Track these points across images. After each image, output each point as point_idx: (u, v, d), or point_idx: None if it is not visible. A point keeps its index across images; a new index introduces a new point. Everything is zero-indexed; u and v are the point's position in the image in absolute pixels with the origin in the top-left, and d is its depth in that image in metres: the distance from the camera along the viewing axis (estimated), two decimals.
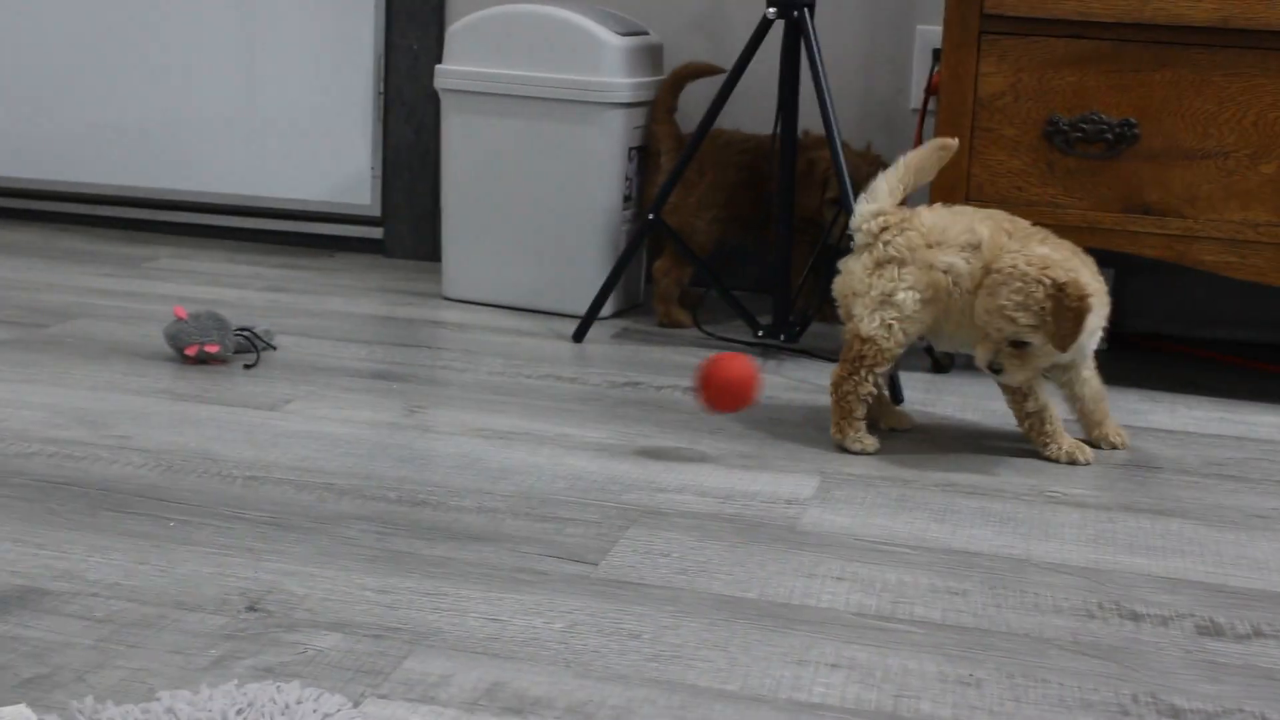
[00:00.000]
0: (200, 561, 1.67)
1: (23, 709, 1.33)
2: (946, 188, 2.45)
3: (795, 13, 2.58)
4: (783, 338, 2.65)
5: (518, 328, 2.77)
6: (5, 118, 3.54)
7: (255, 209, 3.44)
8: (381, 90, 3.31)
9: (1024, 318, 1.98)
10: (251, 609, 1.56)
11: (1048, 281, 1.98)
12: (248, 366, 2.42)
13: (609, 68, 2.79)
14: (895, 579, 1.70)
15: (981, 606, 1.64)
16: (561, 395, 2.36)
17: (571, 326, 2.75)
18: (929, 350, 2.58)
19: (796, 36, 2.60)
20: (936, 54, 2.80)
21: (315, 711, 1.31)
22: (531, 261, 2.88)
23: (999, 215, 2.15)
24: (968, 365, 2.57)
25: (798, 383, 2.46)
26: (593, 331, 2.72)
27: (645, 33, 2.90)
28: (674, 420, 2.24)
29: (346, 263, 3.29)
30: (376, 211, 3.37)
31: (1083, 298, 1.98)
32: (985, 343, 2.05)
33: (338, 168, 3.38)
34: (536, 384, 2.41)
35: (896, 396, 2.36)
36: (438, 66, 2.92)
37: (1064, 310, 1.98)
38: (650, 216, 2.68)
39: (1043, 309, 1.98)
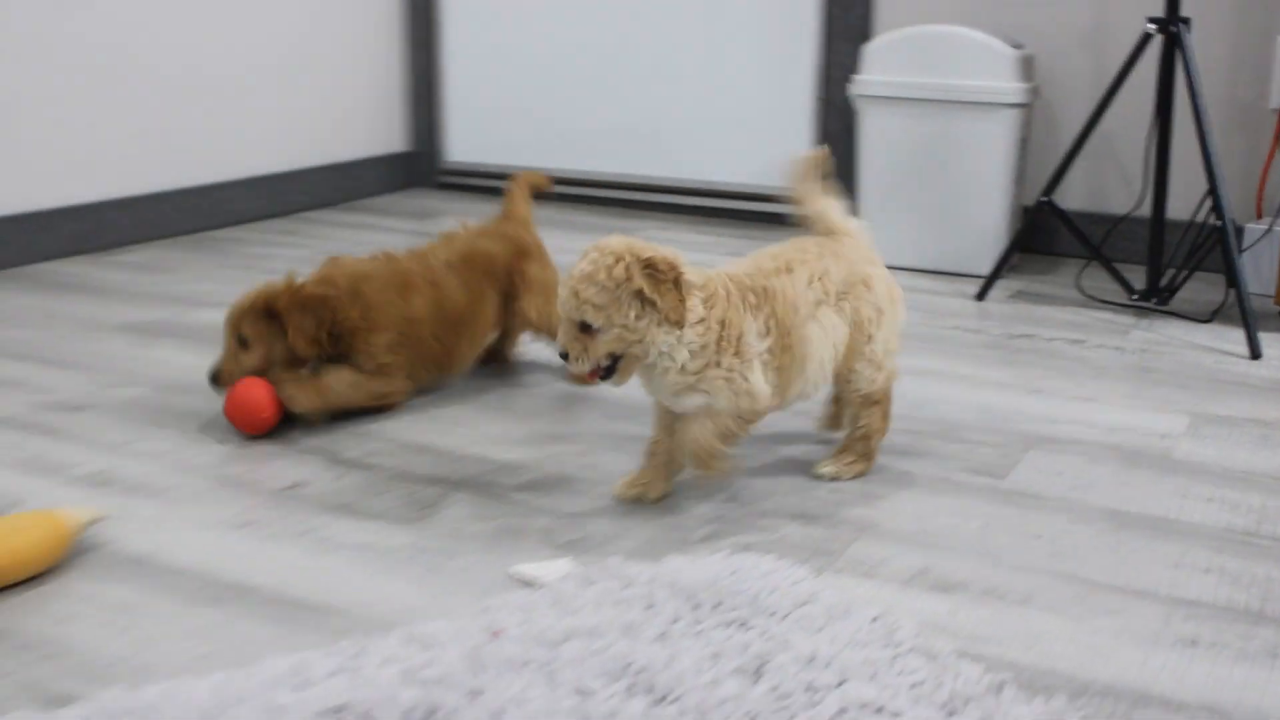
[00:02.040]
0: None
1: (567, 563, 1.43)
2: None
3: (1173, 28, 2.49)
4: (1154, 300, 2.57)
5: (928, 287, 2.76)
6: (529, 121, 3.72)
7: (716, 191, 3.52)
8: (821, 95, 3.33)
9: (591, 293, 1.47)
10: (732, 499, 1.62)
11: (628, 258, 1.47)
12: None
13: (1005, 74, 2.76)
14: (1259, 503, 1.64)
15: None
16: (967, 343, 2.35)
17: (972, 287, 2.72)
18: None
19: (1173, 48, 2.51)
20: None
21: (787, 578, 1.36)
22: (936, 232, 2.87)
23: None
24: None
25: (1168, 339, 2.38)
26: (991, 292, 2.69)
27: (1023, 46, 2.86)
28: (1063, 366, 2.21)
29: (790, 234, 3.32)
30: None
31: (672, 267, 1.49)
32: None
33: (781, 156, 3.43)
34: (946, 333, 2.41)
35: (1255, 351, 2.26)
36: (855, 77, 2.93)
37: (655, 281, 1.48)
38: (1043, 199, 2.63)
39: (619, 284, 1.47)
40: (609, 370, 1.51)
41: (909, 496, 1.65)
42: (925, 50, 2.84)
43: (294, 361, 1.86)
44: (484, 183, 3.81)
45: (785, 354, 1.57)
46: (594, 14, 3.59)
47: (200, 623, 1.31)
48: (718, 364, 1.52)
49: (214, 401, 1.90)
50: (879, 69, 2.90)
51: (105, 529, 1.52)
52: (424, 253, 2.01)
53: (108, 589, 1.38)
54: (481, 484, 1.66)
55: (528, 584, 1.38)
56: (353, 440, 1.81)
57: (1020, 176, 2.89)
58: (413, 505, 1.60)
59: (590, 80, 3.63)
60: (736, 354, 1.53)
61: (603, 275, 1.46)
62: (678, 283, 1.48)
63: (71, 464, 1.72)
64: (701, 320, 1.51)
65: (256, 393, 1.81)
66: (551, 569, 1.41)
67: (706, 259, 2.93)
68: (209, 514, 1.57)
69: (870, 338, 1.67)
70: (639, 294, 1.46)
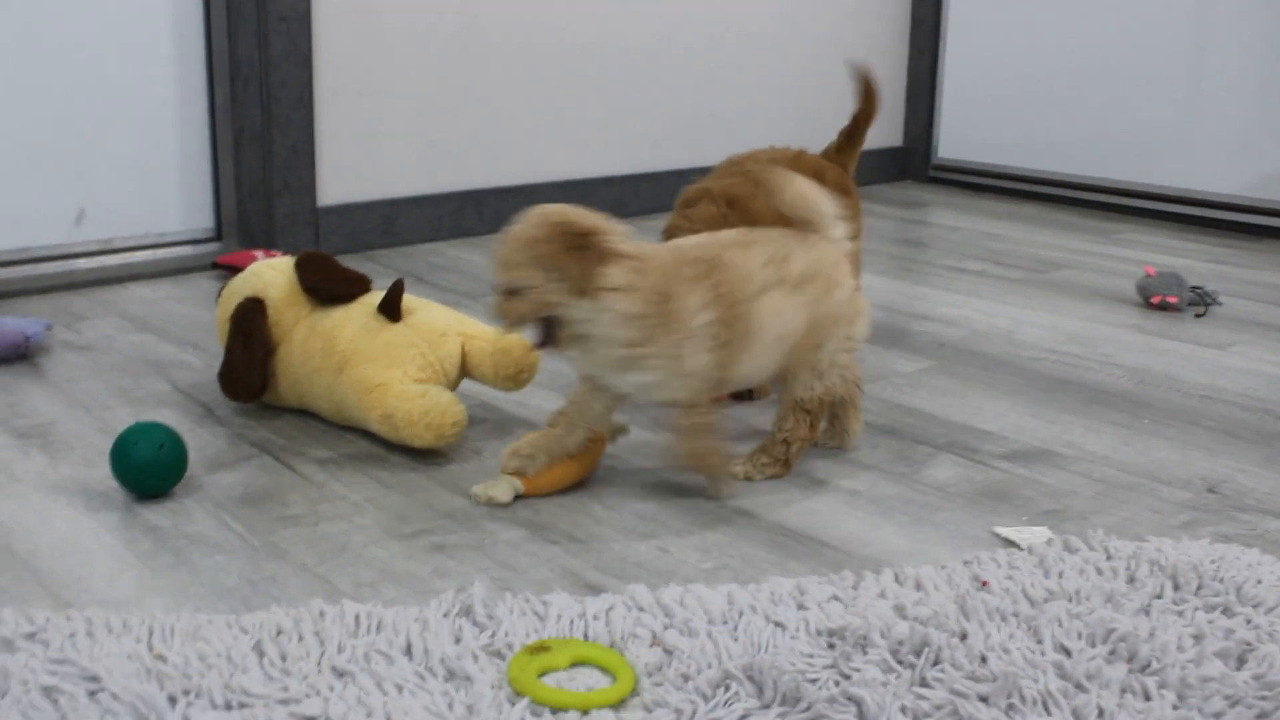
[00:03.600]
0: (1168, 450, 1.63)
1: (1045, 530, 1.36)
2: None
3: None
4: None
5: None
6: (1018, 123, 3.59)
7: (1201, 200, 3.27)
8: None
9: (508, 252, 1.33)
10: (1211, 491, 1.50)
11: (546, 221, 1.31)
12: (1198, 315, 2.32)
13: None
14: None
15: None
16: None
17: None
18: None
19: None
20: None
21: (1272, 572, 1.24)
22: None
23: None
24: None
25: None
26: None
27: None
28: None
29: (1272, 246, 3.06)
30: None
31: None
32: None
33: (1269, 169, 3.14)
34: None
35: None
36: None
37: None
38: None
39: (531, 246, 1.32)
40: (546, 337, 1.35)
41: None
42: None
43: None
44: (971, 179, 3.71)
45: (732, 328, 1.36)
46: (1085, 26, 3.41)
47: (710, 540, 1.33)
48: (657, 340, 1.33)
49: None
50: None
51: (631, 452, 1.57)
52: (737, 161, 1.83)
53: (633, 501, 1.43)
54: (965, 449, 1.61)
55: (1010, 544, 1.33)
56: None
57: None
58: (901, 460, 1.57)
59: (1079, 87, 3.45)
60: (675, 330, 1.34)
61: (520, 237, 1.31)
62: (588, 249, 1.29)
63: None
64: (630, 288, 1.31)
65: None
66: (1032, 534, 1.34)
67: (1190, 264, 2.74)
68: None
69: (819, 345, 1.44)
70: (549, 257, 1.29)
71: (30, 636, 1.08)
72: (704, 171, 1.90)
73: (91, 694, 1.00)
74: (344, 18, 2.60)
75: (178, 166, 2.58)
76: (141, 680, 1.02)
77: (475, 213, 2.87)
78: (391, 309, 1.60)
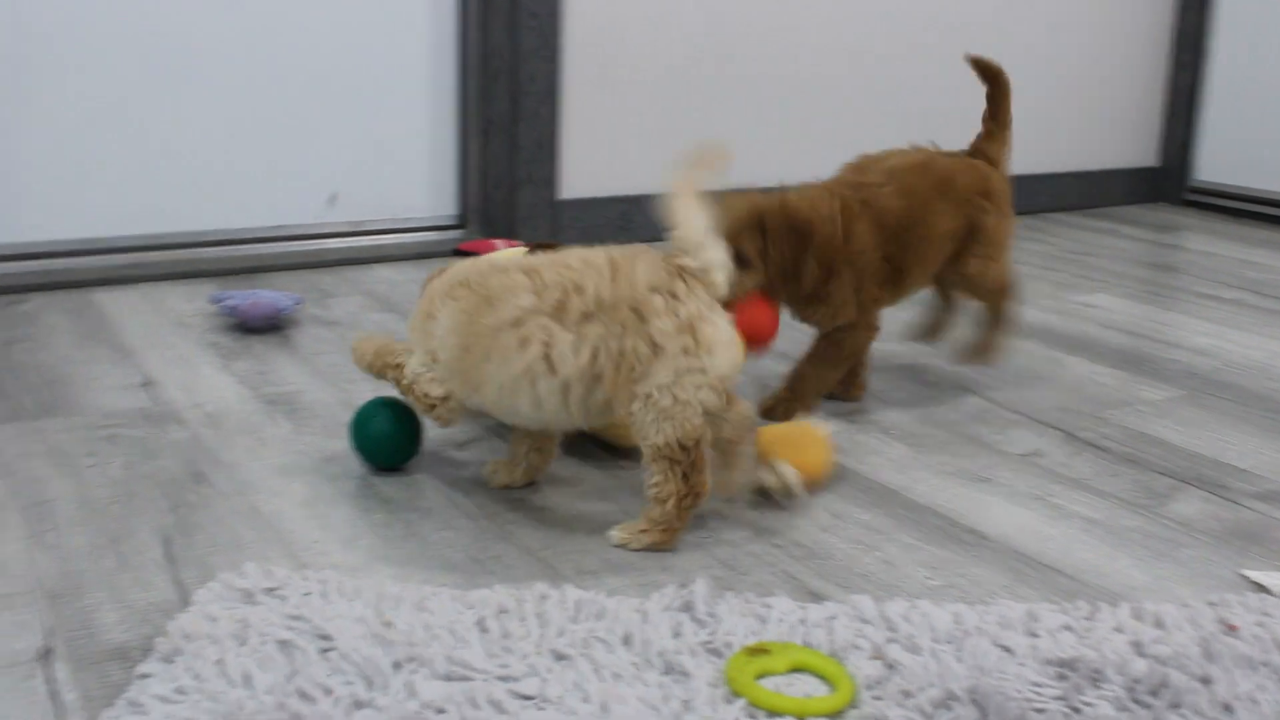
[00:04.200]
0: None
1: None
2: None
3: None
4: None
5: None
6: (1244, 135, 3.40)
7: None
8: None
9: None
10: None
11: None
12: None
13: None
14: None
15: None
16: None
17: None
18: None
19: None
20: None
21: None
22: None
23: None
24: None
25: None
26: None
27: None
28: None
29: None
30: None
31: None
32: None
33: None
34: None
35: None
36: None
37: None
38: None
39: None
40: None
41: None
42: None
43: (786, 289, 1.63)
44: (1229, 203, 3.53)
45: (469, 352, 1.30)
46: None
47: (937, 557, 1.30)
48: (413, 350, 1.40)
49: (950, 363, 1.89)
50: None
51: (859, 461, 1.55)
52: (861, 165, 1.71)
53: (859, 511, 1.40)
54: (1215, 484, 1.52)
55: (1262, 589, 1.25)
56: (1089, 421, 1.73)
57: None
58: (1143, 492, 1.50)
59: None
60: (422, 344, 1.37)
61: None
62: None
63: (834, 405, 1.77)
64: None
65: (759, 315, 1.60)
66: None
67: None
68: (952, 464, 1.56)
69: (642, 375, 1.23)
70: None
71: (270, 591, 1.13)
72: None
73: (322, 651, 1.04)
74: (593, 15, 2.64)
75: (426, 155, 2.66)
76: (369, 643, 1.05)
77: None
78: None
